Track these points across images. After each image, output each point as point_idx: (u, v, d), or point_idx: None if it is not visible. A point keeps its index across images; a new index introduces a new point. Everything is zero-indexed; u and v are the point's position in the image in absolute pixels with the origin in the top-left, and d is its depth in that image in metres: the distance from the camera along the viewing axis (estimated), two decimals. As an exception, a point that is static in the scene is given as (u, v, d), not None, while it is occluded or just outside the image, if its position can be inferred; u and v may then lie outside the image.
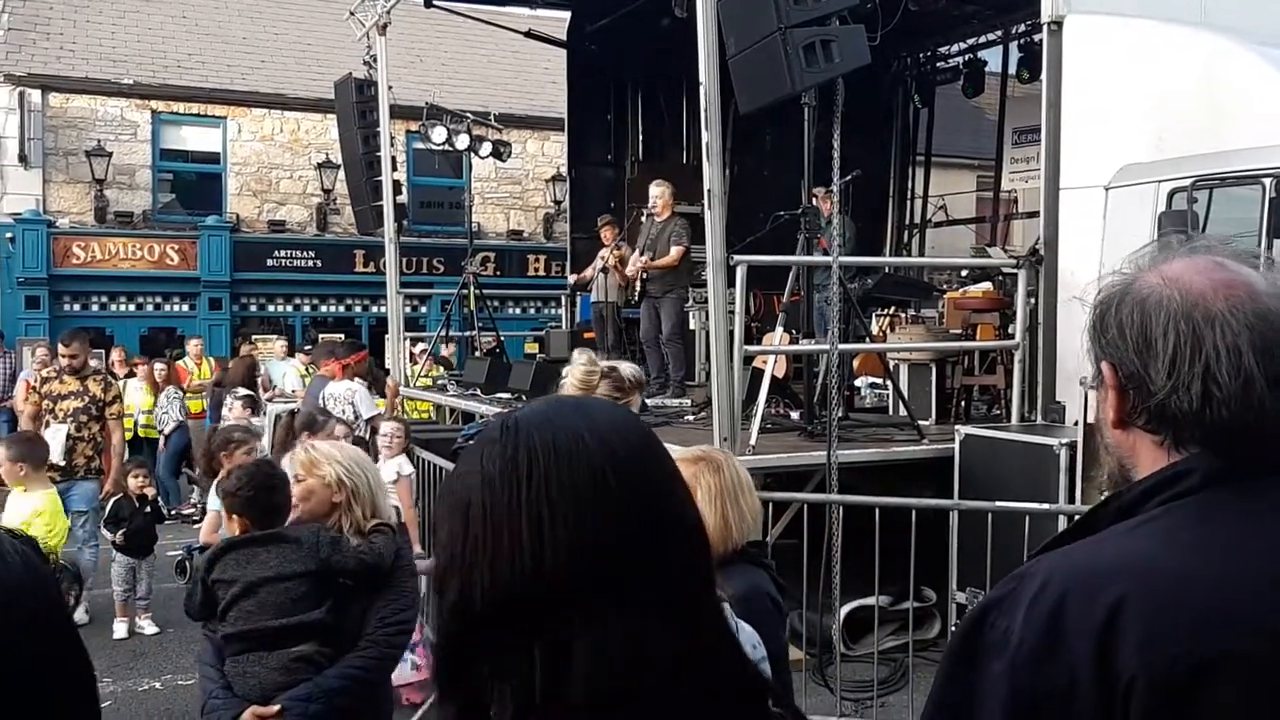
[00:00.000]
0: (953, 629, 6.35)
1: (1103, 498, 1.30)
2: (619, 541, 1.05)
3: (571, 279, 11.74)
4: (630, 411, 1.17)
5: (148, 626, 7.66)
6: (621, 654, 1.02)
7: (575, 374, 3.54)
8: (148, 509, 7.77)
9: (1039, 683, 1.10)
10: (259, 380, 13.06)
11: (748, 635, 1.91)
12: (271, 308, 18.85)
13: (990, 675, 1.13)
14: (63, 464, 7.80)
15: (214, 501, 5.98)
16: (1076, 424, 6.59)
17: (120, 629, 7.61)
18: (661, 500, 1.10)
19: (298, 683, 3.17)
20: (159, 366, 13.09)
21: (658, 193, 10.04)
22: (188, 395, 13.33)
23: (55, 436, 7.92)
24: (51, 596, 1.17)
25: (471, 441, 1.18)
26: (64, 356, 8.45)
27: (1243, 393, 1.15)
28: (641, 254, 10.14)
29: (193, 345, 14.64)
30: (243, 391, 10.95)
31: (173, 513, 12.05)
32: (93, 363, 9.04)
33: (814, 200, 7.76)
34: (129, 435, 12.85)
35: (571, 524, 1.03)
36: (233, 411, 10.08)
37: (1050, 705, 1.09)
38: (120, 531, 7.59)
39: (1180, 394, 1.18)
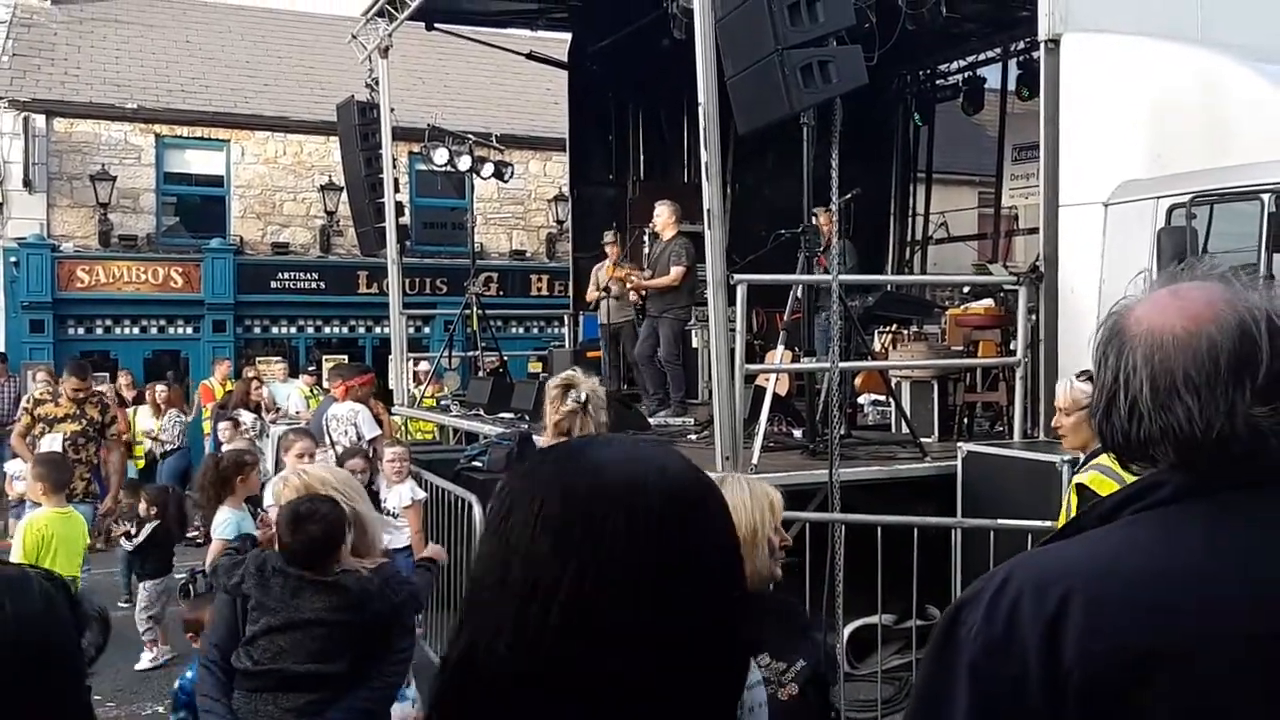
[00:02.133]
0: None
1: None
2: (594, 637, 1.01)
3: (590, 296, 11.58)
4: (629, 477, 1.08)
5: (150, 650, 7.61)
6: None
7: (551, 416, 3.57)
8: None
9: (996, 673, 1.16)
10: (261, 402, 13.11)
11: None
12: (275, 329, 18.87)
13: (958, 669, 1.18)
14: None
15: (220, 529, 5.96)
16: (1079, 440, 6.57)
17: (145, 659, 7.56)
18: (648, 583, 1.03)
19: None
20: (159, 388, 13.16)
21: (660, 211, 10.07)
22: (206, 418, 13.41)
23: (51, 447, 7.94)
24: (62, 639, 1.21)
25: (498, 472, 1.15)
26: (71, 389, 8.44)
27: (1128, 420, 1.24)
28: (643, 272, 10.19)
29: (220, 367, 14.78)
30: (244, 414, 11.01)
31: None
32: (98, 387, 9.04)
33: (814, 220, 7.77)
34: (141, 463, 12.95)
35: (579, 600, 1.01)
36: (225, 435, 10.16)
37: (1006, 695, 1.15)
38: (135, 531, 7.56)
39: (1098, 416, 1.29)
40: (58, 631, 1.22)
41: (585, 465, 1.08)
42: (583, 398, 3.63)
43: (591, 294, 11.21)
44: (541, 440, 3.66)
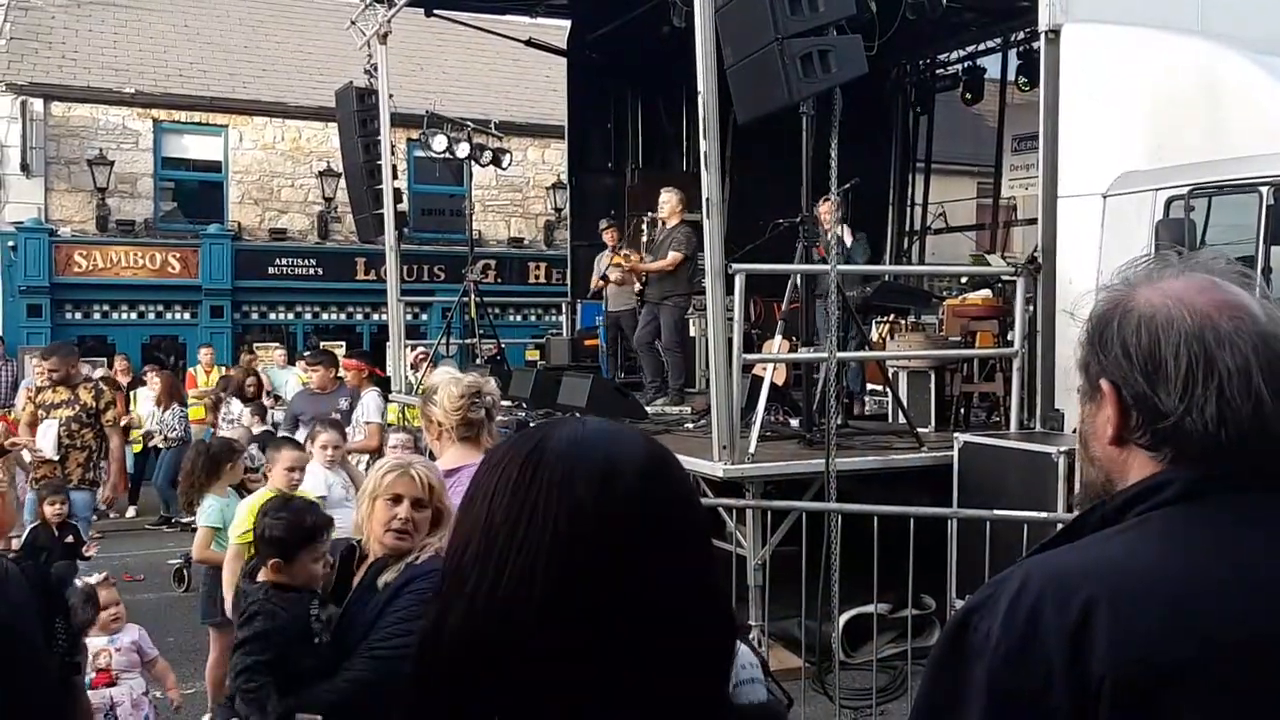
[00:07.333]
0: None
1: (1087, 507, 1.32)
2: (600, 596, 1.04)
3: (594, 286, 11.47)
4: (649, 457, 1.13)
5: None
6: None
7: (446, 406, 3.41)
8: (68, 539, 7.02)
9: (1017, 683, 1.12)
10: (260, 389, 13.09)
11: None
12: (273, 315, 18.86)
13: (973, 677, 1.15)
14: (56, 458, 7.83)
15: (204, 515, 5.98)
16: (1075, 431, 6.57)
17: None
18: (657, 552, 1.09)
19: None
20: (154, 378, 13.20)
21: (666, 198, 10.05)
22: (190, 404, 13.40)
23: (46, 434, 7.93)
24: (11, 619, 1.25)
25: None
26: (44, 370, 8.47)
27: (1254, 413, 1.17)
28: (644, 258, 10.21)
29: (204, 354, 14.81)
30: (235, 403, 10.97)
31: (171, 521, 12.08)
32: (86, 369, 9.01)
33: (815, 209, 7.75)
34: (138, 447, 12.94)
35: (556, 571, 1.03)
36: (242, 420, 10.10)
37: (1027, 704, 1.11)
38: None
39: (1194, 415, 1.18)
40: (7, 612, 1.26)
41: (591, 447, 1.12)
42: (489, 403, 3.46)
43: (595, 283, 11.19)
44: (439, 449, 3.45)
